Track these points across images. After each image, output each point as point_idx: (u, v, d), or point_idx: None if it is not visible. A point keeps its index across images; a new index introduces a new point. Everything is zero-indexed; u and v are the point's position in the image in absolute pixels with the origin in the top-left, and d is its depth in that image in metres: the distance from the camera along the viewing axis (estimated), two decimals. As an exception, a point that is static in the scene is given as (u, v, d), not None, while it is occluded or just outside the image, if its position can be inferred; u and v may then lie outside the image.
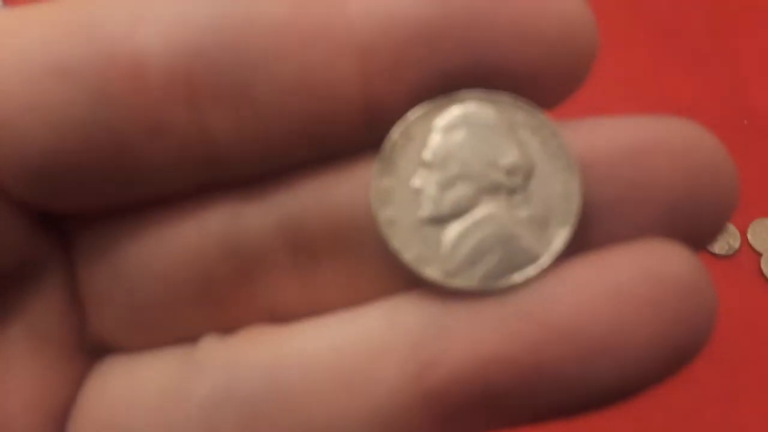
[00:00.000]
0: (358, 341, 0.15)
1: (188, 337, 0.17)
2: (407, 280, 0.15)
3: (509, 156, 0.15)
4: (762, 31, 0.50)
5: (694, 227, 0.15)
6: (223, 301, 0.16)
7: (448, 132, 0.15)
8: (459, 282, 0.15)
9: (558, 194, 0.15)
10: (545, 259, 0.15)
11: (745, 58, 0.49)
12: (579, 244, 0.15)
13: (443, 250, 0.15)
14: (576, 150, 0.15)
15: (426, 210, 0.15)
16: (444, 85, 0.15)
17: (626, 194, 0.15)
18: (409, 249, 0.15)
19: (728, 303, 0.40)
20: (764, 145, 0.45)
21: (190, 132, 0.15)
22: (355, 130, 0.15)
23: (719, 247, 0.41)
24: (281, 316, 0.16)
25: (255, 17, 0.14)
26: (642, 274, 0.14)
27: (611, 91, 0.46)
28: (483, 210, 0.15)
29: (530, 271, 0.15)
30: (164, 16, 0.14)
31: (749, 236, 0.42)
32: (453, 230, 0.15)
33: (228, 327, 0.16)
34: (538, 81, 0.15)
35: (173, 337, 0.17)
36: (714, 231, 0.15)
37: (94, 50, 0.14)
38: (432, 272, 0.15)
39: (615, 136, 0.15)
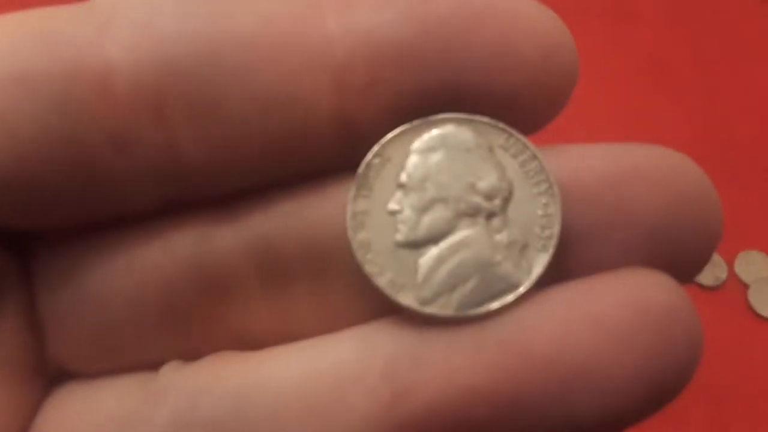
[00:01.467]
0: (329, 369, 0.14)
1: (151, 362, 0.16)
2: (382, 307, 0.15)
3: (488, 179, 0.15)
4: (746, 66, 0.50)
5: (678, 257, 0.14)
6: (190, 326, 0.16)
7: (426, 154, 0.15)
8: (435, 309, 0.14)
9: (538, 218, 0.15)
10: (524, 286, 0.14)
11: (730, 93, 0.49)
12: (559, 271, 0.15)
13: (419, 275, 0.15)
14: (557, 174, 0.15)
15: (402, 234, 0.15)
16: (422, 105, 0.15)
17: (608, 221, 0.14)
18: (383, 274, 0.15)
19: (715, 335, 0.39)
20: (750, 177, 0.45)
21: (158, 147, 0.14)
22: (330, 149, 0.15)
23: (706, 278, 0.41)
24: (250, 342, 0.16)
25: (228, 30, 0.14)
26: (624, 303, 0.14)
27: (597, 124, 0.46)
28: (460, 234, 0.15)
29: (508, 298, 0.14)
30: (133, 28, 0.14)
31: (736, 268, 0.41)
32: (429, 255, 0.15)
33: (194, 353, 0.16)
34: (517, 103, 0.15)
35: (136, 363, 0.16)
36: (700, 261, 0.15)
37: (58, 60, 0.14)
38: (407, 298, 0.15)
39: (597, 162, 0.15)
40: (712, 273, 0.41)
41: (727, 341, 0.39)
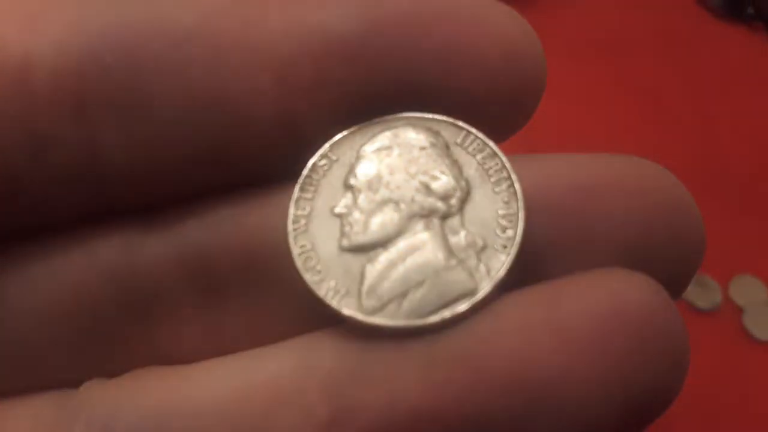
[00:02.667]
0: (261, 385, 0.13)
1: (71, 381, 0.15)
2: (325, 319, 0.14)
3: (443, 178, 0.14)
4: (737, 95, 0.51)
5: (659, 273, 0.13)
6: (113, 342, 0.15)
7: (377, 154, 0.14)
8: (381, 319, 0.13)
9: (498, 218, 0.13)
10: (482, 292, 0.13)
11: (722, 121, 0.49)
12: (524, 281, 0.13)
13: (366, 282, 0.13)
14: (523, 179, 0.14)
15: (348, 237, 0.14)
16: (373, 106, 0.14)
17: (579, 233, 0.13)
18: (326, 281, 0.13)
19: (710, 358, 0.39)
20: (743, 202, 0.46)
21: (78, 148, 0.13)
22: (274, 151, 0.14)
23: (701, 302, 0.41)
24: (180, 361, 0.14)
25: (158, 24, 0.13)
26: (593, 308, 0.12)
27: (590, 149, 0.46)
28: (412, 237, 0.13)
29: (462, 306, 0.13)
30: (59, 20, 0.13)
31: (731, 292, 0.42)
32: (378, 261, 0.13)
33: (117, 372, 0.15)
34: (478, 107, 0.14)
35: (53, 382, 0.15)
36: (683, 278, 0.14)
37: None
38: (350, 308, 0.13)
39: (566, 172, 0.14)
40: (707, 297, 0.41)
41: (722, 365, 0.39)
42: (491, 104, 0.14)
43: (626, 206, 0.13)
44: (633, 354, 0.12)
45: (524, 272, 0.13)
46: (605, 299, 0.12)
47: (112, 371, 0.15)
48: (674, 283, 0.13)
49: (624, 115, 0.49)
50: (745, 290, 0.42)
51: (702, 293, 0.41)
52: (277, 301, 0.14)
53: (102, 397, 0.14)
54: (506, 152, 0.14)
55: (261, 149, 0.14)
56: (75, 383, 0.15)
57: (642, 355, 0.12)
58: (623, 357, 0.12)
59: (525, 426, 0.12)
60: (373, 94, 0.14)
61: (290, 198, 0.14)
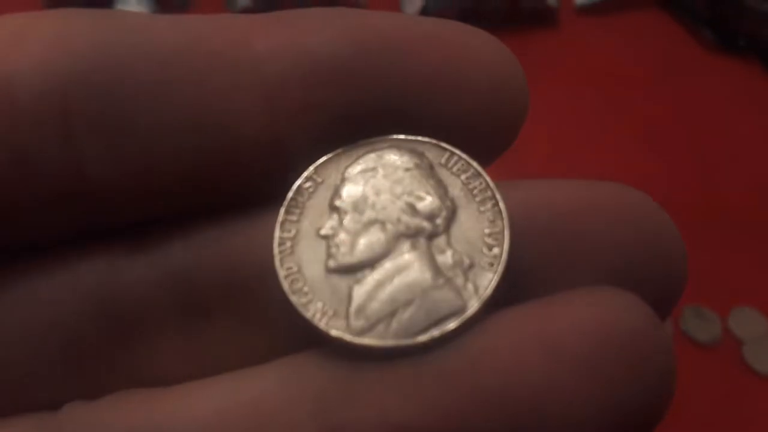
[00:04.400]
0: (248, 404, 0.13)
1: (52, 403, 0.14)
2: (312, 340, 0.13)
3: (428, 198, 0.14)
4: (733, 127, 0.51)
5: (641, 293, 0.13)
6: (95, 365, 0.14)
7: (362, 175, 0.14)
8: (370, 340, 0.13)
9: (484, 237, 0.14)
10: (470, 310, 0.13)
11: (718, 152, 0.50)
12: (511, 299, 0.13)
13: (353, 303, 0.13)
14: (511, 208, 0.14)
15: (335, 259, 0.14)
16: (359, 129, 0.14)
17: (564, 257, 0.13)
18: (313, 303, 0.13)
19: (710, 391, 0.39)
20: (740, 234, 0.46)
21: (63, 168, 0.13)
22: (260, 172, 0.14)
23: (701, 335, 0.41)
24: (163, 383, 0.14)
25: (145, 44, 0.13)
26: (582, 326, 0.12)
27: (583, 178, 0.46)
28: (399, 258, 0.13)
29: (451, 324, 0.13)
30: (45, 38, 0.13)
31: (730, 324, 0.41)
32: (365, 281, 0.13)
33: (98, 395, 0.14)
34: (462, 131, 0.14)
35: (34, 403, 0.14)
36: (666, 302, 0.14)
37: None
38: (337, 329, 0.13)
39: (550, 197, 0.14)
40: (706, 329, 0.41)
41: (722, 398, 0.39)
42: (475, 129, 0.14)
43: (608, 230, 0.13)
44: (623, 372, 0.12)
45: (511, 290, 0.13)
46: (594, 317, 0.12)
47: (93, 394, 0.14)
48: (657, 308, 0.13)
49: (618, 146, 0.50)
50: (744, 322, 0.42)
51: (701, 326, 0.41)
52: (262, 324, 0.14)
53: (84, 419, 0.14)
54: (498, 179, 0.14)
55: (247, 170, 0.14)
56: (55, 405, 0.14)
57: (631, 373, 0.12)
58: (613, 375, 0.12)
59: None
60: (358, 116, 0.14)
61: (276, 220, 0.14)
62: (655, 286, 0.13)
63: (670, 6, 0.58)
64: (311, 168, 0.14)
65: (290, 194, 0.14)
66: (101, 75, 0.13)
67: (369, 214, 0.14)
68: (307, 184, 0.14)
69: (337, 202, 0.14)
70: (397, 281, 0.13)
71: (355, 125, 0.14)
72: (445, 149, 0.14)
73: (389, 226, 0.14)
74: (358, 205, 0.14)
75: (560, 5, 0.57)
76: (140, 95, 0.13)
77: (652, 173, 0.48)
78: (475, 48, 0.14)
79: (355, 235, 0.14)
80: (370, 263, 0.13)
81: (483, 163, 0.14)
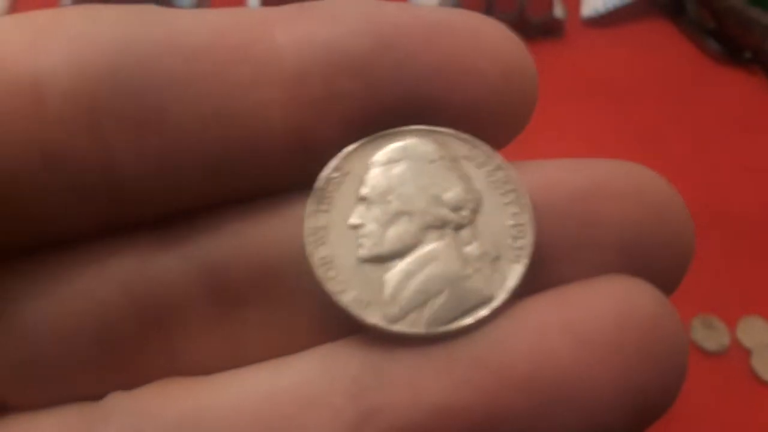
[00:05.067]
0: (288, 390, 0.13)
1: (93, 394, 0.15)
2: (346, 327, 0.14)
3: (454, 190, 0.14)
4: (736, 136, 0.51)
5: (652, 273, 0.14)
6: (132, 356, 0.15)
7: (388, 166, 0.14)
8: (404, 327, 0.13)
9: (508, 229, 0.14)
10: (498, 299, 0.13)
11: (725, 163, 0.50)
12: (534, 285, 0.14)
13: (386, 291, 0.14)
14: (527, 186, 0.14)
15: (366, 248, 0.14)
16: (380, 119, 0.14)
17: (579, 236, 0.14)
18: (347, 292, 0.14)
19: (719, 401, 0.39)
20: (748, 244, 0.46)
21: (92, 162, 0.13)
22: (284, 163, 0.14)
23: (709, 344, 0.41)
24: (200, 374, 0.15)
25: (170, 40, 0.13)
26: (603, 313, 0.13)
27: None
28: (428, 247, 0.14)
29: (482, 312, 0.13)
30: (71, 36, 0.13)
31: (738, 333, 0.41)
32: (396, 270, 0.14)
33: (136, 386, 0.15)
34: (476, 119, 0.14)
35: (76, 395, 0.15)
36: (674, 278, 0.14)
37: None
38: (373, 317, 0.14)
39: (564, 177, 0.14)
40: (715, 339, 0.41)
41: (730, 407, 0.39)
42: (488, 117, 0.14)
43: (622, 211, 0.14)
44: (640, 355, 0.13)
45: (534, 275, 0.14)
46: (613, 304, 0.13)
47: (132, 383, 0.15)
48: (665, 283, 0.14)
49: (624, 156, 0.49)
50: (753, 332, 0.42)
51: (709, 335, 0.41)
52: (294, 313, 0.15)
53: (127, 407, 0.14)
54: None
55: (271, 162, 0.14)
56: (96, 396, 0.15)
57: (648, 355, 0.13)
58: (631, 357, 0.13)
59: (541, 422, 0.13)
60: (379, 107, 0.14)
61: (304, 210, 0.14)
62: (663, 264, 0.14)
63: (676, 18, 0.58)
64: (337, 158, 0.14)
65: (318, 185, 0.14)
66: (127, 71, 0.13)
67: (396, 205, 0.14)
68: (335, 175, 0.14)
69: (365, 193, 0.14)
70: (428, 271, 0.14)
71: (378, 115, 0.14)
72: (468, 141, 0.15)
73: (416, 217, 0.14)
74: (386, 196, 0.14)
75: (567, 17, 0.58)
76: (165, 90, 0.13)
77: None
78: (485, 36, 0.14)
79: (384, 226, 0.14)
80: (400, 253, 0.14)
81: (496, 147, 0.15)
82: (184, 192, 0.14)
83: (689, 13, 0.58)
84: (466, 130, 0.15)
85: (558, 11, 0.57)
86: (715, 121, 0.52)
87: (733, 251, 0.45)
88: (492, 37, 0.14)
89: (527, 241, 0.14)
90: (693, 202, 0.47)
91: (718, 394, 0.40)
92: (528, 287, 0.14)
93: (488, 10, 0.54)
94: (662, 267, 0.14)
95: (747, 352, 0.41)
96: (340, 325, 0.14)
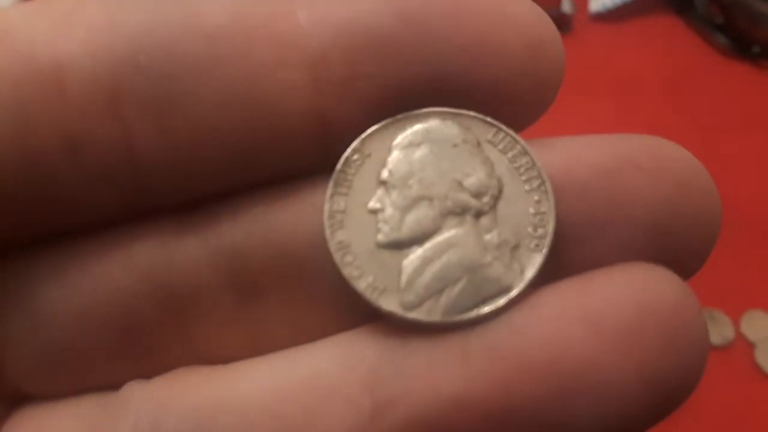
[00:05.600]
0: (305, 380, 0.13)
1: (112, 383, 0.15)
2: (362, 314, 0.14)
3: (476, 175, 0.14)
4: (744, 130, 0.51)
5: (679, 251, 0.14)
6: (152, 344, 0.15)
7: (409, 149, 0.14)
8: (420, 314, 0.13)
9: (530, 217, 0.14)
10: (516, 289, 0.13)
11: (729, 155, 0.50)
12: (554, 271, 0.14)
13: (403, 278, 0.14)
14: (548, 168, 0.14)
15: (384, 234, 0.14)
16: (403, 100, 0.14)
17: (604, 216, 0.13)
18: (364, 277, 0.14)
19: (722, 394, 0.39)
20: (752, 237, 0.46)
21: (114, 147, 0.13)
22: (306, 146, 0.14)
23: (713, 337, 0.41)
24: (219, 360, 0.15)
25: (191, 23, 0.13)
26: (623, 302, 0.13)
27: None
28: (447, 234, 0.14)
29: (500, 301, 0.13)
30: (91, 22, 0.13)
31: (742, 327, 0.42)
32: (414, 257, 0.14)
33: (157, 373, 0.15)
34: (503, 98, 0.14)
35: (96, 384, 0.15)
36: (701, 255, 0.14)
37: (8, 56, 0.13)
38: (390, 303, 0.13)
39: (590, 154, 0.14)
40: (719, 332, 0.41)
41: (734, 400, 0.39)
42: (515, 95, 0.14)
43: (649, 188, 0.13)
44: (659, 344, 0.12)
45: (555, 260, 0.14)
46: (634, 293, 0.13)
47: (151, 372, 0.15)
48: (692, 261, 0.14)
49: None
50: (757, 326, 0.42)
51: (714, 329, 0.41)
52: (314, 298, 0.14)
53: (146, 396, 0.14)
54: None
55: (294, 145, 0.14)
56: (114, 385, 0.15)
57: (667, 344, 0.12)
58: (651, 347, 0.12)
59: (559, 412, 0.12)
60: (402, 87, 0.14)
61: (324, 194, 0.14)
62: (691, 241, 0.14)
63: (684, 12, 0.58)
64: (358, 140, 0.14)
65: (338, 167, 0.14)
66: (149, 55, 0.13)
67: (416, 190, 0.14)
68: (355, 157, 0.14)
69: (385, 176, 0.14)
70: (446, 258, 0.14)
71: (400, 96, 0.14)
72: (492, 125, 0.14)
73: (437, 203, 0.14)
74: (405, 180, 0.14)
75: (575, 12, 0.58)
76: (187, 73, 0.13)
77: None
78: (511, 10, 0.14)
79: (404, 211, 0.14)
80: (419, 239, 0.14)
81: (519, 129, 0.14)
82: (207, 177, 0.14)
83: (697, 8, 0.58)
84: (491, 109, 0.14)
85: (566, 6, 0.57)
86: (724, 116, 0.52)
87: (739, 245, 0.45)
88: (517, 11, 0.14)
89: (548, 230, 0.14)
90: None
91: (722, 387, 0.40)
92: (548, 274, 0.13)
93: (497, 4, 0.54)
94: (686, 249, 0.14)
95: (751, 346, 0.41)
96: (358, 312, 0.14)
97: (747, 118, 0.52)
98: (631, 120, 0.52)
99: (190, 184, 0.14)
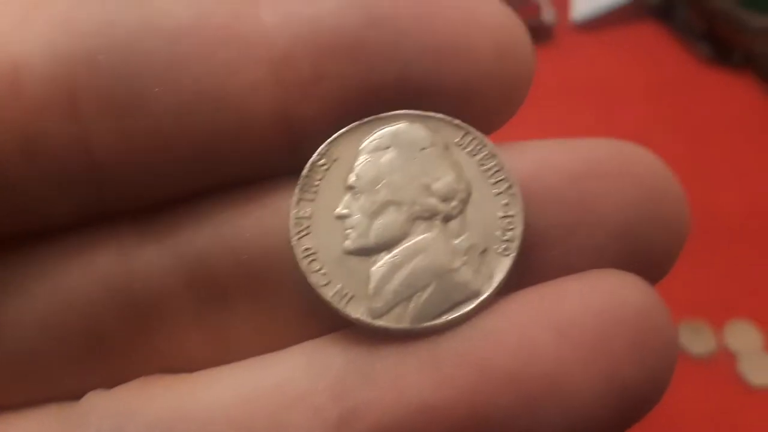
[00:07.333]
0: (270, 389, 0.13)
1: (72, 392, 0.14)
2: (330, 322, 0.14)
3: (444, 179, 0.14)
4: (726, 138, 0.51)
5: (647, 255, 0.14)
6: (114, 353, 0.14)
7: (376, 153, 0.14)
8: (388, 322, 0.13)
9: (498, 220, 0.14)
10: (485, 294, 0.13)
11: (711, 166, 0.50)
12: (523, 276, 0.13)
13: (371, 285, 0.13)
14: (517, 172, 0.14)
15: (351, 240, 0.14)
16: (370, 102, 0.14)
17: (572, 220, 0.13)
18: (331, 284, 0.13)
19: (705, 405, 0.39)
20: (735, 248, 0.46)
21: (72, 148, 0.13)
22: (270, 150, 0.14)
23: (696, 348, 0.41)
24: (183, 369, 0.14)
25: (152, 21, 0.13)
26: (591, 308, 0.13)
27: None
28: (415, 239, 0.14)
29: (468, 307, 0.13)
30: (49, 20, 0.13)
31: (725, 338, 0.42)
32: (382, 263, 0.14)
33: (118, 383, 0.14)
34: (472, 99, 0.14)
35: (55, 393, 0.14)
36: (669, 259, 0.14)
37: None
38: (357, 311, 0.13)
39: (558, 158, 0.14)
40: (702, 343, 0.41)
41: (717, 411, 0.39)
42: (484, 97, 0.14)
43: (617, 192, 0.13)
44: (629, 351, 0.12)
45: (524, 265, 0.14)
46: (602, 300, 0.13)
47: (113, 381, 0.14)
48: (660, 265, 0.14)
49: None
50: (739, 336, 0.42)
51: (696, 339, 0.41)
52: (281, 306, 0.14)
53: (108, 406, 0.14)
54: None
55: (258, 146, 0.14)
56: (75, 395, 0.14)
57: (637, 352, 0.12)
58: (620, 354, 0.12)
59: (526, 419, 0.12)
60: (369, 89, 0.14)
61: (290, 199, 0.14)
62: (659, 245, 0.14)
63: (666, 21, 0.59)
64: (324, 144, 0.14)
65: (305, 172, 0.14)
66: (108, 55, 0.13)
67: (384, 195, 0.14)
68: (321, 161, 0.14)
69: (352, 181, 0.14)
70: (414, 264, 0.13)
71: (367, 98, 0.14)
72: (460, 127, 0.14)
73: (405, 208, 0.14)
74: (373, 185, 0.14)
75: (557, 21, 0.58)
76: (148, 73, 0.13)
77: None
78: (480, 13, 0.14)
79: (371, 216, 0.14)
80: (387, 245, 0.14)
81: (491, 129, 0.14)
82: (168, 180, 0.14)
83: (679, 17, 0.58)
84: (459, 111, 0.14)
85: (548, 15, 0.57)
86: (706, 124, 0.52)
87: (721, 255, 0.45)
88: (486, 13, 0.14)
89: (516, 234, 0.13)
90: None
91: (705, 398, 0.40)
92: (517, 279, 0.13)
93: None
94: (654, 253, 0.14)
95: (734, 357, 0.41)
96: (326, 320, 0.14)
97: (729, 126, 0.52)
98: (613, 128, 0.52)
99: (151, 186, 0.14)
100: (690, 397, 0.40)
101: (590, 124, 0.52)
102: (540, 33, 0.57)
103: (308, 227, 0.14)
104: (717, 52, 0.56)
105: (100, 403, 0.14)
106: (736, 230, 0.47)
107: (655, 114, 0.53)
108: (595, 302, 0.13)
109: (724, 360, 0.41)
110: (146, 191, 0.14)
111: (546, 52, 0.56)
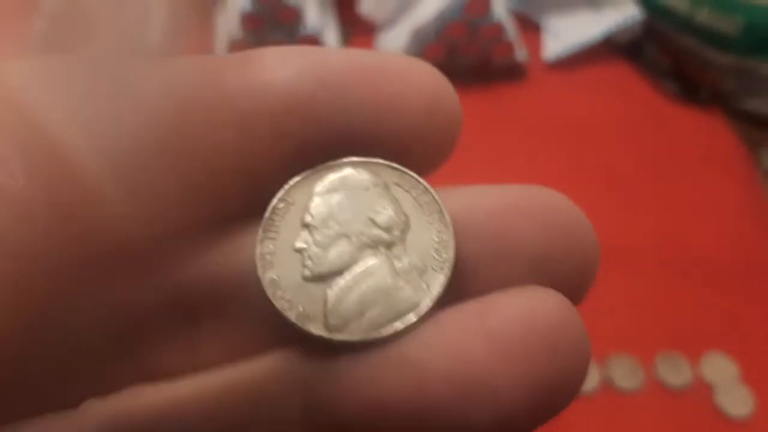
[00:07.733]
0: (243, 391, 0.15)
1: (66, 404, 0.15)
2: (294, 340, 0.15)
3: (385, 213, 0.16)
4: (694, 173, 0.52)
5: (559, 284, 0.15)
6: (104, 367, 0.16)
7: (328, 195, 0.16)
8: (344, 335, 0.15)
9: (433, 244, 0.16)
10: (424, 305, 0.15)
11: (682, 198, 0.51)
12: (457, 295, 0.15)
13: (328, 305, 0.15)
14: (450, 210, 0.16)
15: (309, 269, 0.16)
16: (321, 152, 0.16)
17: (493, 251, 0.15)
18: (294, 308, 0.15)
19: (682, 436, 0.39)
20: (708, 279, 0.46)
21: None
22: (236, 197, 0.16)
23: (673, 380, 0.41)
24: (164, 380, 0.16)
25: (137, 91, 0.15)
26: (515, 318, 0.14)
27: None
28: (364, 265, 0.16)
29: (411, 317, 0.15)
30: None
31: (702, 369, 0.42)
32: (336, 287, 0.15)
33: (107, 393, 0.16)
34: (407, 149, 0.16)
35: (52, 405, 0.15)
36: (580, 288, 0.16)
37: None
38: (318, 328, 0.15)
39: (481, 201, 0.16)
40: (679, 375, 0.42)
41: (695, 442, 0.39)
42: (417, 147, 0.16)
43: (529, 228, 0.15)
44: (546, 355, 0.14)
45: (456, 285, 0.16)
46: (525, 312, 0.15)
47: (105, 393, 0.16)
48: (572, 293, 0.16)
49: (585, 196, 0.50)
50: (716, 368, 0.42)
51: (673, 371, 0.42)
52: (248, 326, 0.16)
53: (105, 411, 0.15)
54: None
55: (226, 194, 0.16)
56: (72, 405, 0.15)
57: (552, 355, 0.14)
58: (538, 357, 0.14)
59: (461, 413, 0.14)
60: (321, 142, 0.16)
61: (255, 237, 0.16)
62: (569, 275, 0.16)
63: (634, 60, 0.60)
64: (282, 191, 0.16)
65: (267, 215, 0.16)
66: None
67: (336, 229, 0.16)
68: (281, 205, 0.16)
69: (308, 220, 0.16)
70: (364, 286, 0.15)
71: (319, 149, 0.16)
72: (397, 169, 0.16)
73: (354, 238, 0.16)
74: (325, 222, 0.16)
75: (529, 60, 0.59)
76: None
77: (618, 223, 0.49)
78: (413, 75, 0.16)
79: (325, 248, 0.16)
80: (340, 271, 0.16)
81: (426, 174, 0.17)
82: (147, 223, 0.15)
83: (647, 55, 0.59)
84: (397, 157, 0.16)
85: (520, 55, 0.58)
86: (675, 160, 0.53)
87: (694, 288, 0.46)
88: (419, 76, 0.16)
89: (449, 254, 0.16)
90: (653, 239, 0.48)
91: (683, 429, 0.40)
92: (452, 295, 0.15)
93: (452, 54, 0.55)
94: (567, 279, 0.16)
95: (710, 388, 0.41)
96: (290, 337, 0.15)
97: (697, 161, 0.53)
98: (584, 165, 0.52)
99: (135, 229, 0.15)
100: (668, 428, 0.40)
101: (561, 160, 0.53)
102: (513, 72, 0.58)
103: (271, 261, 0.16)
104: (684, 90, 0.57)
105: (98, 409, 0.15)
106: (709, 264, 0.47)
107: (625, 150, 0.54)
108: (519, 313, 0.14)
109: (701, 391, 0.41)
110: (131, 232, 0.15)
111: (519, 90, 0.57)
